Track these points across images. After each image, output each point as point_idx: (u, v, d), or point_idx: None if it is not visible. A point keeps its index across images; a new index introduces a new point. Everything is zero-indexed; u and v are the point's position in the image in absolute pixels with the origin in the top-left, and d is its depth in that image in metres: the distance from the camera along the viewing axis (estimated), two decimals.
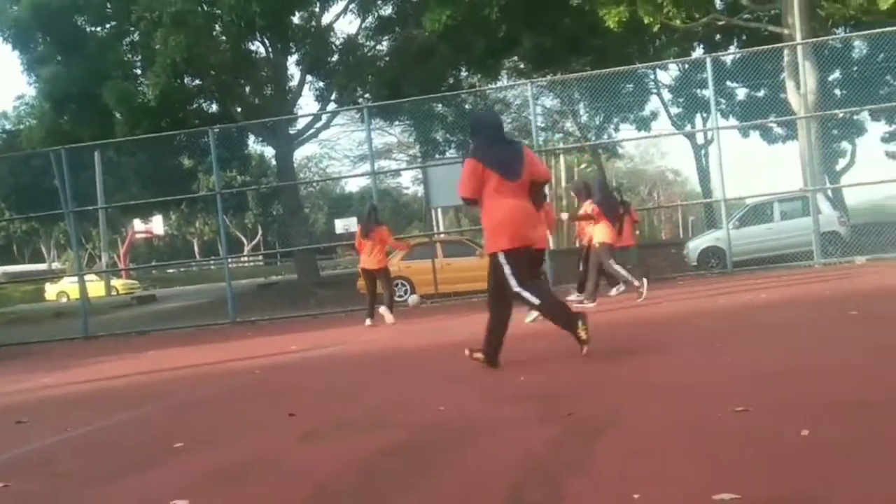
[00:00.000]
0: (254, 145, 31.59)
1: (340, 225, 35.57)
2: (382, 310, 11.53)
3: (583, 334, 5.80)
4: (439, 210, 32.28)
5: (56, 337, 17.01)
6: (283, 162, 26.26)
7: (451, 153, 28.63)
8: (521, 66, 30.06)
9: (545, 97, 37.25)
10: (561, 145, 41.44)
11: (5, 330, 20.07)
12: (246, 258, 55.52)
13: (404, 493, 3.16)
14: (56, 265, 60.71)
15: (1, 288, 41.01)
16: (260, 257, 58.10)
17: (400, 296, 15.93)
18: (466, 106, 29.21)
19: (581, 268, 11.80)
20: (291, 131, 26.02)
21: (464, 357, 6.30)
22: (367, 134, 17.62)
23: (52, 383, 8.77)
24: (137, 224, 42.29)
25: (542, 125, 38.22)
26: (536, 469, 3.26)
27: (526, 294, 5.89)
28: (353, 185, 71.77)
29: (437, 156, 28.49)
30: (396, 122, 31.66)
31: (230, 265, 19.71)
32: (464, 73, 27.99)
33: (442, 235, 24.17)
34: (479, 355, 6.14)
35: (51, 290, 39.69)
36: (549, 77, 28.39)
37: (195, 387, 7.34)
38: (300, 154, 58.09)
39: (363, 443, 4.09)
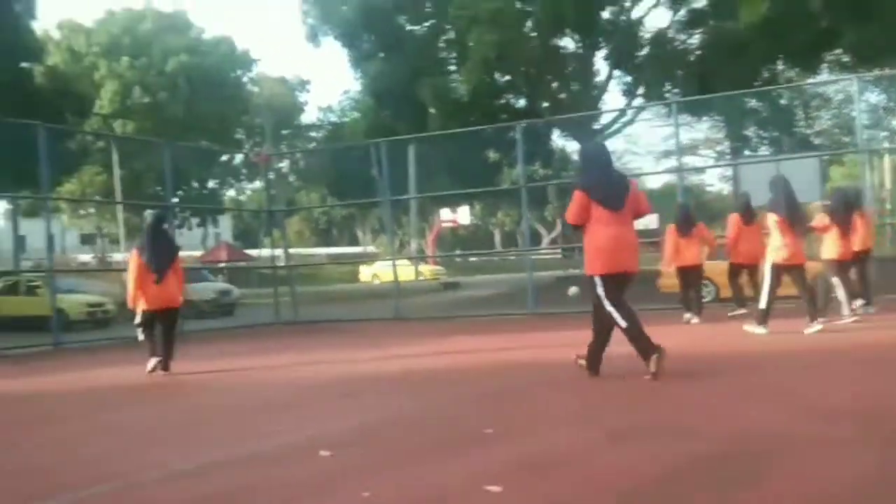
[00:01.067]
0: (557, 139, 31.99)
1: (640, 222, 35.01)
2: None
3: (652, 367, 6.22)
4: None
5: (369, 317, 18.17)
6: None
7: (763, 150, 27.23)
8: (845, 59, 27.90)
9: (870, 92, 34.39)
10: (886, 144, 38.08)
11: (324, 307, 21.84)
12: (545, 250, 56.31)
13: None
14: (370, 248, 65.21)
15: (322, 267, 44.89)
16: (558, 250, 58.74)
17: (702, 297, 15.39)
18: (782, 101, 27.63)
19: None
20: (596, 126, 26.04)
21: (773, 364, 6.02)
22: (675, 129, 17.20)
23: (369, 359, 9.45)
24: (444, 213, 44.33)
25: (867, 123, 35.29)
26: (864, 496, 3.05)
27: (616, 315, 6.44)
28: (654, 182, 70.51)
29: (746, 152, 27.24)
30: (705, 118, 30.63)
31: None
32: (780, 67, 26.49)
33: None
34: (583, 362, 6.82)
35: (365, 273, 42.71)
36: (876, 71, 26.17)
37: (502, 375, 7.58)
38: None
39: (672, 449, 4.04)
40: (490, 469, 3.76)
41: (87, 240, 61.50)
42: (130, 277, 8.97)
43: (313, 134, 54.84)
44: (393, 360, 9.38)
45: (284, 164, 48.23)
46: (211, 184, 46.94)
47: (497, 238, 67.27)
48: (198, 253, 49.37)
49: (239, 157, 47.22)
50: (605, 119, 26.43)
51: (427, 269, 40.36)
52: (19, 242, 34.85)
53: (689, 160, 42.70)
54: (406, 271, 38.10)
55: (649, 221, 33.05)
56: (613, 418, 4.87)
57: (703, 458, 3.83)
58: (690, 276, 12.11)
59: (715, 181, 64.50)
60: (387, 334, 13.53)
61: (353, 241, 73.68)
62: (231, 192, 53.61)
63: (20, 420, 6.54)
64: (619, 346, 6.49)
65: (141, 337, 8.96)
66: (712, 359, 7.87)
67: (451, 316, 17.77)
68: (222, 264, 38.28)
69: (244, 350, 12.24)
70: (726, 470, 3.60)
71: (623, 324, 6.42)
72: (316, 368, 9.08)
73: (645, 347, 6.32)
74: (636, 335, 6.38)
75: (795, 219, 9.35)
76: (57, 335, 15.01)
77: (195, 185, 43.02)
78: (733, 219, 11.82)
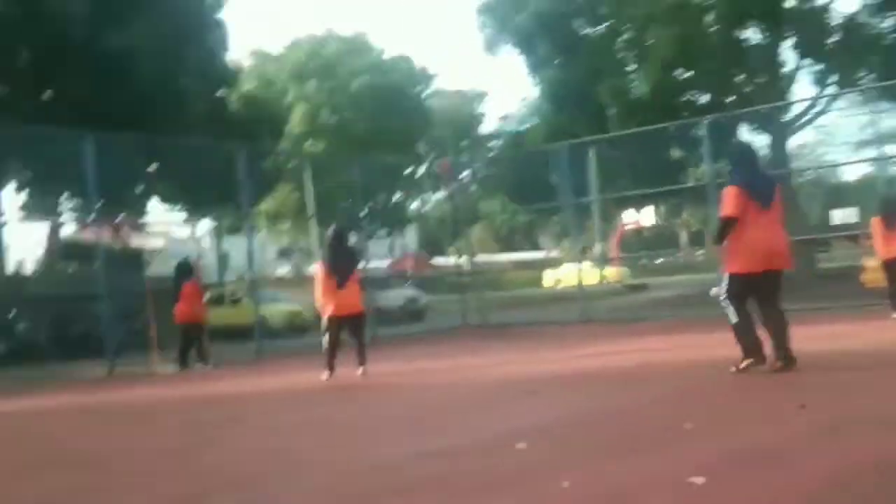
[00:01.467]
0: (745, 134, 30.78)
1: (838, 216, 33.12)
2: None
3: (737, 367, 6.55)
4: None
5: (553, 320, 18.15)
6: (776, 151, 25.25)
7: None
8: None
9: None
10: None
11: (509, 312, 21.98)
12: None
13: None
14: (553, 254, 65.03)
15: (506, 273, 45.18)
16: None
17: None
18: None
19: None
20: (785, 118, 24.89)
21: None
22: (873, 116, 16.20)
23: (556, 360, 9.48)
24: (627, 215, 43.64)
25: None
26: None
27: (730, 309, 6.62)
28: (851, 174, 66.50)
29: None
30: None
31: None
32: None
33: None
34: (744, 363, 6.58)
35: (548, 277, 42.65)
36: None
37: (694, 373, 7.42)
38: (794, 142, 55.27)
39: (884, 442, 3.85)
40: (692, 462, 3.70)
41: (283, 253, 64.81)
42: (317, 287, 9.50)
43: (493, 143, 55.38)
44: (580, 359, 9.38)
45: (466, 174, 49.01)
46: (397, 196, 48.28)
47: (683, 238, 65.46)
48: (386, 262, 50.98)
49: (422, 169, 48.40)
50: (795, 110, 25.20)
51: (611, 272, 39.81)
52: (223, 259, 37.23)
53: (890, 149, 40.14)
54: (590, 275, 37.75)
55: (848, 215, 31.29)
56: (815, 412, 4.67)
57: None
58: None
59: None
60: (572, 336, 13.49)
61: (535, 247, 73.74)
62: (416, 203, 54.93)
63: (235, 417, 7.00)
64: (810, 343, 6.23)
65: (325, 346, 9.38)
66: None
67: (637, 318, 17.48)
68: (409, 272, 39.35)
69: (434, 352, 12.55)
70: None
71: (733, 319, 6.61)
72: (504, 369, 9.21)
73: (747, 348, 6.53)
74: (743, 334, 6.57)
75: None
76: (259, 342, 15.95)
77: (382, 197, 44.40)
78: None
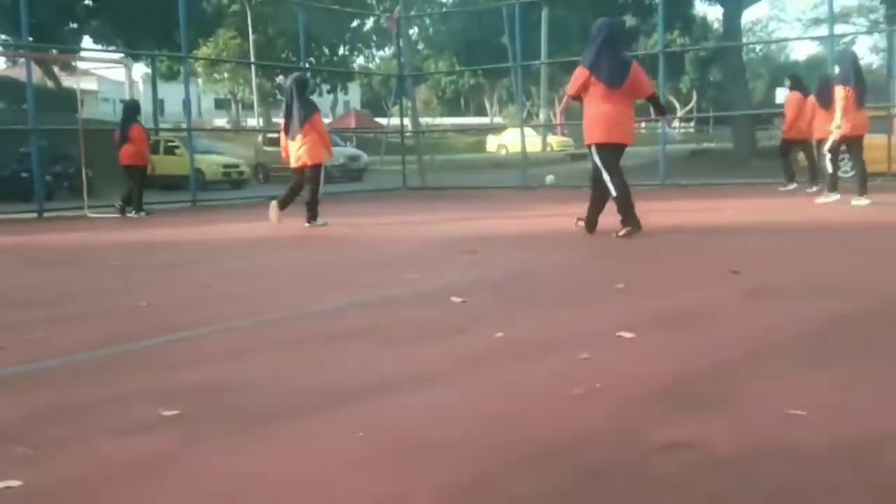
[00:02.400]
0: (700, 4, 30.41)
1: (782, 94, 33.36)
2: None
3: (621, 233, 7.05)
4: None
5: (495, 185, 18.16)
6: (729, 23, 25.02)
7: None
8: None
9: None
10: None
11: (450, 175, 21.90)
12: (678, 124, 54.53)
13: (863, 360, 2.97)
14: (497, 119, 64.67)
15: (449, 137, 44.88)
16: (692, 123, 56.88)
17: (845, 171, 14.65)
18: None
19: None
20: None
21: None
22: None
23: (496, 221, 9.49)
24: None
25: None
26: None
27: (610, 183, 7.16)
28: (799, 53, 66.78)
29: None
30: None
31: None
32: None
33: None
34: (581, 223, 7.60)
35: (492, 143, 42.52)
36: None
37: (632, 238, 7.47)
38: (746, 18, 54.95)
39: (811, 309, 3.91)
40: (622, 318, 3.72)
41: (221, 104, 63.23)
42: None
43: None
44: (518, 220, 9.39)
45: (414, 31, 47.85)
46: (341, 51, 47.06)
47: None
48: (327, 120, 50.10)
49: (369, 24, 47.05)
50: None
51: (556, 141, 39.70)
52: (157, 105, 36.10)
53: (840, 28, 40.12)
54: (534, 142, 37.73)
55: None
56: (749, 280, 4.72)
57: (843, 315, 3.70)
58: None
59: (865, 53, 60.36)
60: (513, 200, 13.51)
61: (481, 112, 73.15)
62: (360, 60, 53.69)
63: (166, 263, 6.88)
64: (744, 215, 6.27)
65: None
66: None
67: (579, 185, 17.54)
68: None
69: (373, 211, 12.48)
70: (868, 328, 3.46)
71: (614, 192, 7.17)
72: (442, 227, 9.19)
73: (625, 217, 7.10)
74: (623, 205, 7.13)
75: (862, 92, 9.72)
76: (194, 193, 15.68)
77: (326, 51, 43.22)
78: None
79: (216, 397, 2.73)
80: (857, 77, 9.72)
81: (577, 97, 7.42)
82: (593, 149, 7.29)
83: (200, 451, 2.23)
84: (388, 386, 2.80)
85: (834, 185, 10.05)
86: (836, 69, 10.40)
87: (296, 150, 9.42)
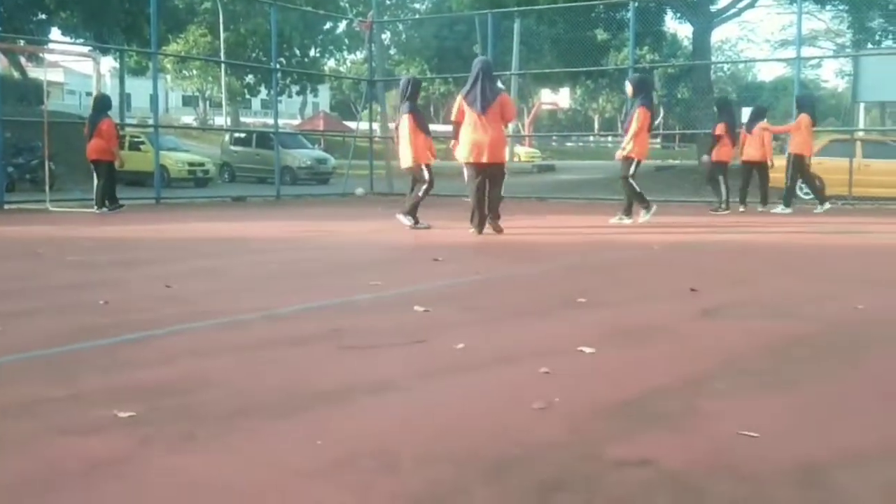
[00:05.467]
0: (671, 22, 30.70)
1: (746, 114, 33.80)
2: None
3: (471, 231, 8.88)
4: (861, 106, 29.34)
5: (462, 193, 18.12)
6: (698, 41, 25.25)
7: (888, 43, 25.60)
8: None
9: None
10: None
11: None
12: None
13: (815, 382, 3.01)
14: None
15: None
16: (658, 139, 57.40)
17: (805, 192, 14.87)
18: None
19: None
20: (713, 8, 24.83)
21: (882, 260, 5.81)
22: (798, 16, 16.27)
23: (461, 231, 9.48)
24: (545, 94, 43.49)
25: None
26: None
27: (470, 192, 8.89)
28: (766, 74, 67.67)
29: (869, 45, 25.67)
30: (829, 7, 28.86)
31: None
32: None
33: (861, 134, 22.02)
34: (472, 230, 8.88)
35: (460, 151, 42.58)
36: None
37: (593, 253, 7.55)
38: (716, 36, 55.63)
39: (768, 328, 3.97)
40: (583, 333, 3.75)
41: (189, 101, 62.69)
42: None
43: (417, 5, 54.04)
44: (488, 235, 9.40)
45: (386, 36, 47.78)
46: (312, 52, 46.86)
47: (596, 124, 65.97)
48: (296, 121, 49.88)
49: (341, 27, 46.96)
50: (722, 2, 25.15)
51: (523, 152, 39.89)
52: (124, 100, 35.70)
53: (807, 51, 40.66)
54: None
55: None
56: (708, 298, 4.78)
57: (798, 335, 3.76)
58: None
59: (831, 77, 61.34)
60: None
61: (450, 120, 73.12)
62: (331, 63, 53.52)
63: (126, 261, 6.81)
64: (707, 233, 6.34)
65: None
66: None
67: (544, 197, 17.66)
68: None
69: (338, 214, 12.45)
70: (831, 350, 3.52)
71: (470, 199, 8.90)
72: (408, 234, 9.18)
73: (476, 220, 8.82)
74: (474, 210, 8.81)
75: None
76: (158, 190, 15.53)
77: (297, 52, 43.00)
78: None
79: (172, 399, 2.71)
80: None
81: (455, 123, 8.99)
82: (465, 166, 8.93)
83: (154, 453, 2.21)
84: (348, 393, 2.80)
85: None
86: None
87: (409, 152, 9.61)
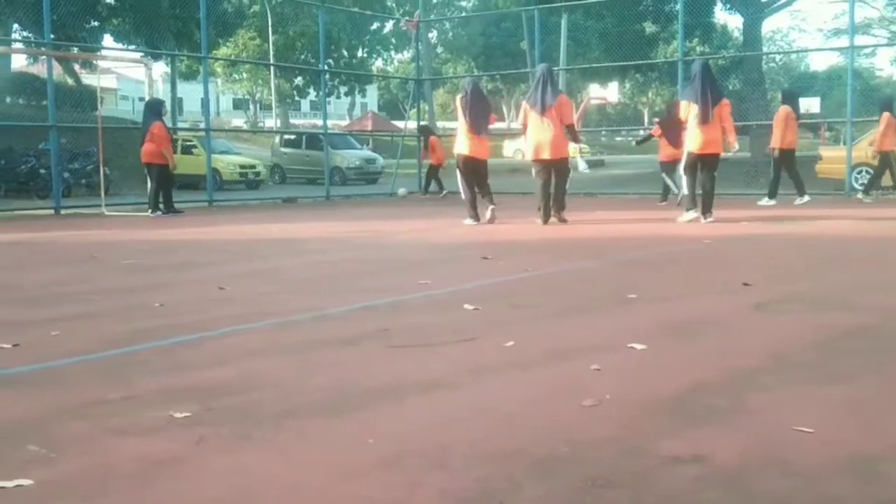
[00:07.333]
0: (721, 13, 30.29)
1: (802, 105, 33.18)
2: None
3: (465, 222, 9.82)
4: None
5: (512, 190, 18.11)
6: (749, 31, 24.90)
7: None
8: None
9: None
10: None
11: None
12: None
13: (870, 375, 2.96)
14: (514, 125, 64.56)
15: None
16: None
17: (861, 184, 14.59)
18: None
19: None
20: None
21: None
22: (851, 4, 15.91)
23: (510, 226, 9.50)
24: (593, 89, 43.19)
25: None
26: None
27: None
28: (819, 64, 66.47)
29: None
30: None
31: None
32: None
33: None
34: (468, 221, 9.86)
35: (509, 148, 42.50)
36: None
37: (643, 248, 7.48)
38: (767, 27, 54.74)
39: (822, 321, 3.90)
40: (633, 329, 3.73)
41: (239, 104, 63.44)
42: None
43: (464, 3, 54.04)
44: (532, 228, 9.39)
45: (433, 35, 47.91)
46: (360, 53, 47.15)
47: (646, 118, 65.32)
48: (344, 122, 50.20)
49: (388, 27, 47.18)
50: None
51: (572, 147, 39.54)
52: (176, 105, 36.26)
53: (860, 40, 39.78)
54: None
55: (811, 104, 31.25)
56: (761, 292, 4.71)
57: (852, 327, 3.69)
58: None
59: (885, 65, 60.06)
60: (527, 206, 13.46)
61: (498, 117, 73.08)
62: (379, 63, 53.78)
63: (180, 263, 6.92)
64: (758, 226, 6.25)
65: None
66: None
67: (594, 192, 17.56)
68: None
69: (388, 214, 12.50)
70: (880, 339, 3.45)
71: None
72: (457, 232, 9.19)
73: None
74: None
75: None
76: (211, 193, 15.75)
77: (345, 53, 43.30)
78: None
79: (227, 399, 2.76)
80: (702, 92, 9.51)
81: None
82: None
83: (210, 452, 2.25)
84: (397, 392, 2.82)
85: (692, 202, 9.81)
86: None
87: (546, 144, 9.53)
